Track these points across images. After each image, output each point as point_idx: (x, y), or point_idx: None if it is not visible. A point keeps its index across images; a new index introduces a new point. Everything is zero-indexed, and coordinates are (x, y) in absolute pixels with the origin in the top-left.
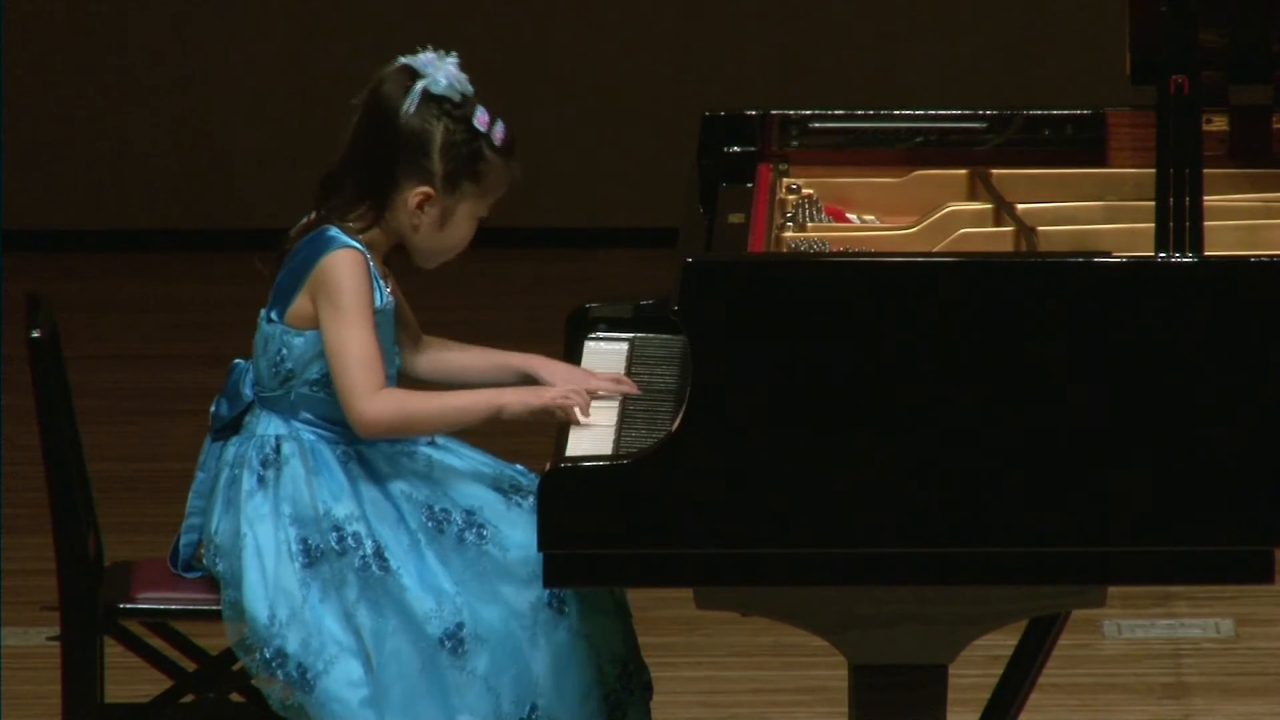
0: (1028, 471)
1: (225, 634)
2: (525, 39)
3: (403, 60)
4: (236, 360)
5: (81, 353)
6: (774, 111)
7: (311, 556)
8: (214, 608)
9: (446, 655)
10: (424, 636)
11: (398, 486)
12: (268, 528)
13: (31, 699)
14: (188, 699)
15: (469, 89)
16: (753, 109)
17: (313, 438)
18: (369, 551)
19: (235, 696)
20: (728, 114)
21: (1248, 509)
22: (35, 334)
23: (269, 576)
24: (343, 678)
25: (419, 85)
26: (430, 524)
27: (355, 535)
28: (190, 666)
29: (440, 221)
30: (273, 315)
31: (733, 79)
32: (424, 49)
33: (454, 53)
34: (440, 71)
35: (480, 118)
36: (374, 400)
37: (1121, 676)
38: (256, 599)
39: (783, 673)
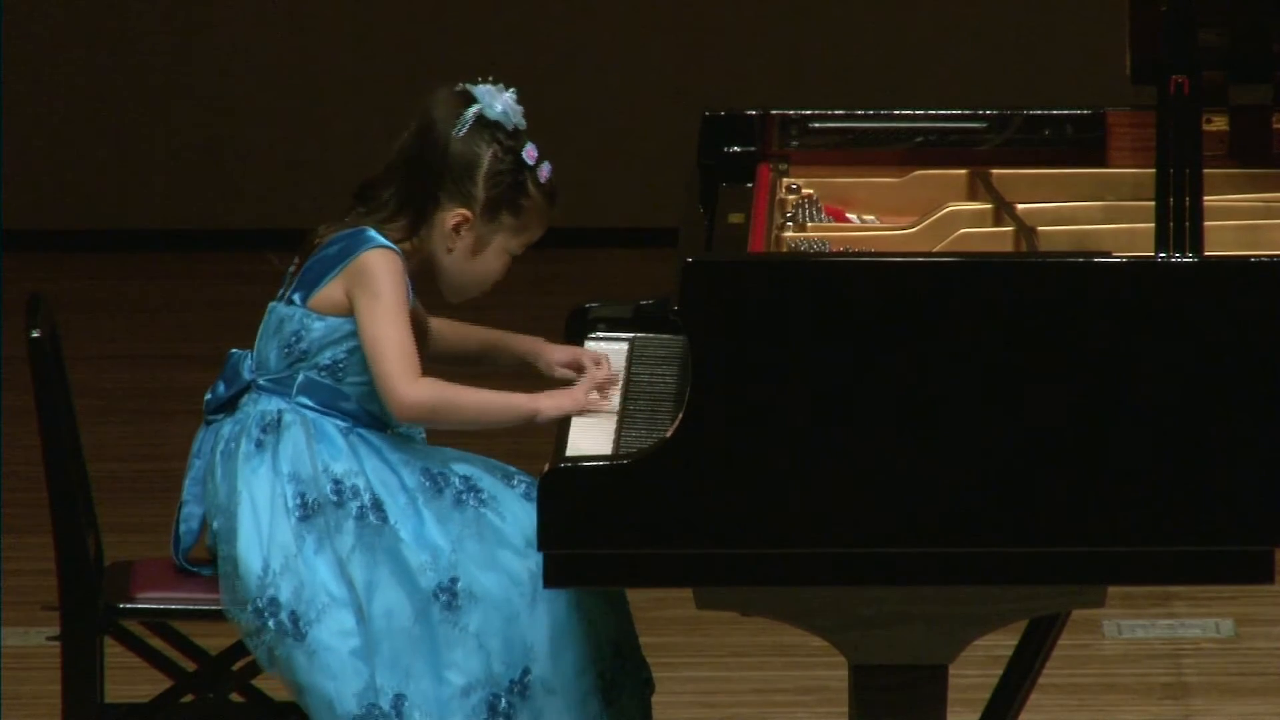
0: (1027, 471)
1: (223, 619)
2: (525, 38)
3: (461, 86)
4: (233, 350)
5: (81, 353)
6: (774, 111)
7: (308, 510)
8: (214, 607)
9: (439, 609)
10: (417, 589)
11: (396, 455)
12: (264, 484)
13: (31, 699)
14: (188, 699)
15: (522, 123)
16: (753, 109)
17: (315, 416)
18: (366, 502)
19: (235, 696)
20: (728, 114)
21: (1248, 509)
22: (35, 334)
23: (264, 530)
24: (334, 626)
25: (473, 109)
26: (428, 483)
27: (354, 488)
28: (190, 666)
29: (474, 249)
30: (294, 298)
31: (733, 79)
32: (483, 80)
33: (512, 89)
34: (497, 100)
35: (529, 151)
36: (415, 384)
37: (1121, 676)
38: (251, 551)
39: (783, 673)
